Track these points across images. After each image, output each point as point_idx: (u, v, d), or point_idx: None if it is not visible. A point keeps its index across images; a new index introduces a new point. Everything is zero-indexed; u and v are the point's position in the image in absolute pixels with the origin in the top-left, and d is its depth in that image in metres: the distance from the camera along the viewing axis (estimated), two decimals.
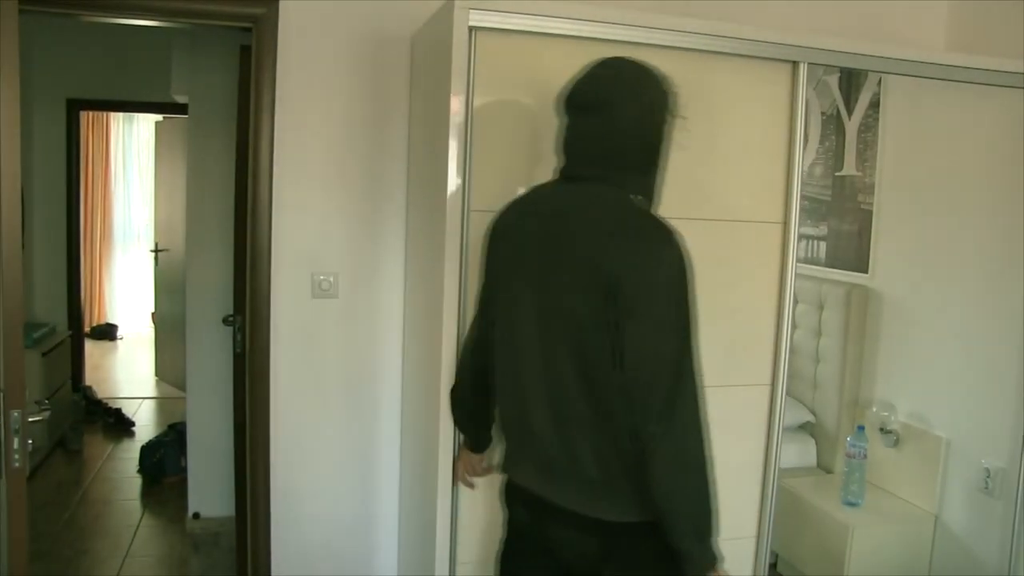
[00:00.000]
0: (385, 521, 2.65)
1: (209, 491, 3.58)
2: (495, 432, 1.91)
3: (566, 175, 1.69)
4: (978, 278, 2.81)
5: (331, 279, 2.52)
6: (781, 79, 2.24)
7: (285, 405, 2.51)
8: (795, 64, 2.24)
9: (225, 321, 2.76)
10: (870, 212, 3.26)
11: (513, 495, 1.79)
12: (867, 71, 2.89)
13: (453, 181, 1.99)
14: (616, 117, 1.61)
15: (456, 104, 1.97)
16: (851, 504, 3.00)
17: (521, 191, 1.85)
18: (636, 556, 1.61)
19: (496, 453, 1.93)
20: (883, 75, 3.05)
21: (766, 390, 2.35)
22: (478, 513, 2.13)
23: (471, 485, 2.06)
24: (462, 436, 2.03)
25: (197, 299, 3.62)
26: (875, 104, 3.21)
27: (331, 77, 2.47)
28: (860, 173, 3.33)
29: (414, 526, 2.46)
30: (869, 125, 3.25)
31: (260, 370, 2.47)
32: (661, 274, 1.52)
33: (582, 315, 1.55)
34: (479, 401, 1.89)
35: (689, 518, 1.53)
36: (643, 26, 2.07)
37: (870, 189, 3.26)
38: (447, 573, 2.09)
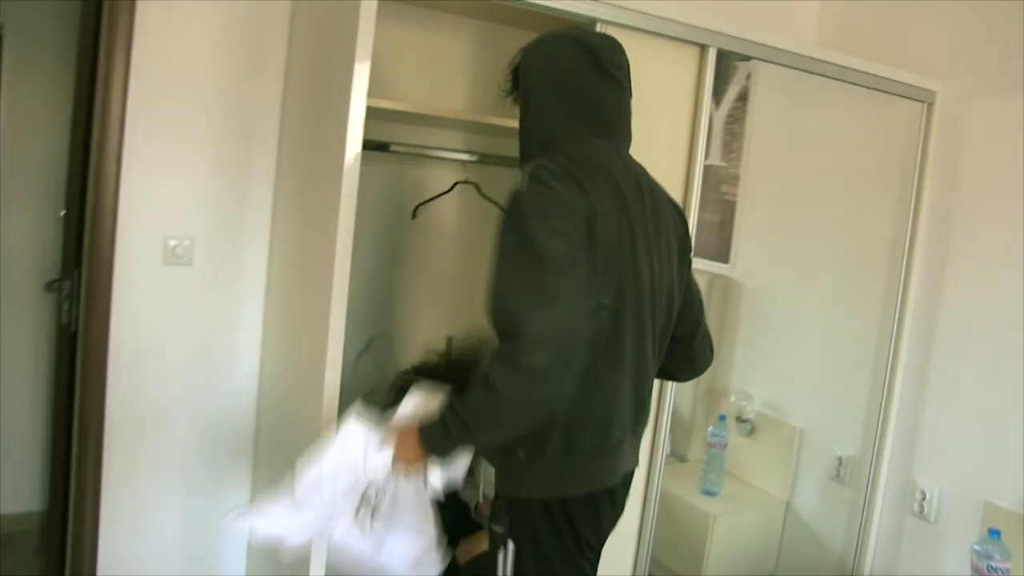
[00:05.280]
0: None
1: (8, 484, 3.10)
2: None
3: (607, 137, 1.59)
4: (833, 273, 2.91)
5: (186, 243, 2.20)
6: (688, 62, 2.18)
7: (123, 387, 2.18)
8: (703, 48, 2.19)
9: (48, 287, 2.35)
10: (733, 203, 3.30)
11: (600, 500, 1.61)
12: (743, 59, 2.90)
13: (352, 149, 1.76)
14: (629, 87, 1.65)
15: (361, 72, 1.74)
16: (709, 493, 3.03)
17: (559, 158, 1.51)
18: None
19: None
20: (752, 69, 3.09)
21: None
22: None
23: None
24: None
25: (10, 261, 3.08)
26: (743, 97, 3.25)
27: (200, 11, 2.15)
28: (725, 163, 3.37)
29: None
30: (736, 117, 3.29)
31: (96, 346, 2.11)
32: None
33: (675, 283, 1.65)
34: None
35: None
36: None
37: (734, 180, 3.30)
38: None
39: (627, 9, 2.04)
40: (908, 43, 2.74)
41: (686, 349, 1.77)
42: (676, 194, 2.22)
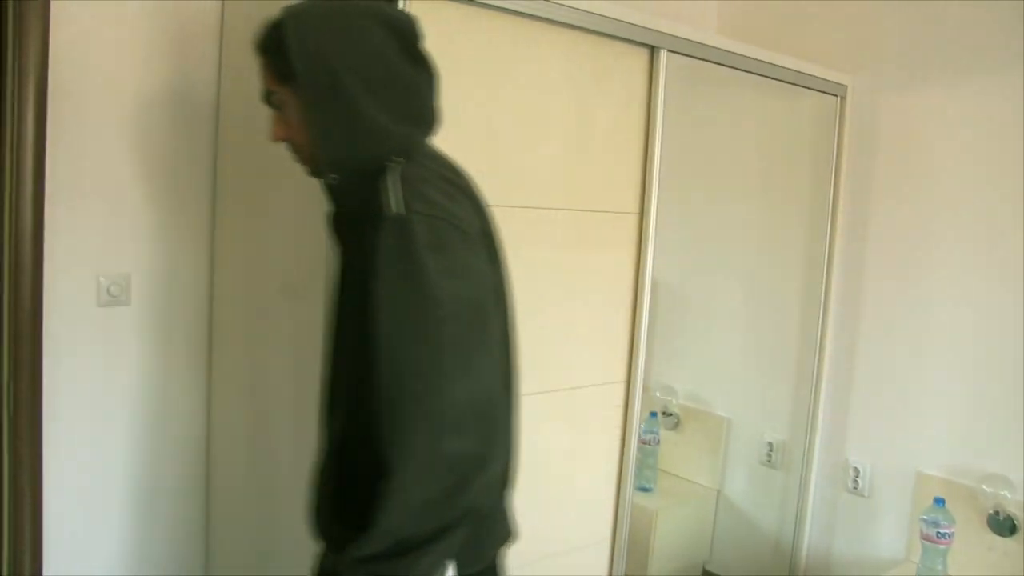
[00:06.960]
0: None
1: None
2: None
3: (430, 134, 1.30)
4: (751, 265, 3.02)
5: (122, 282, 1.97)
6: (638, 64, 2.17)
7: (60, 446, 1.92)
8: (653, 49, 2.18)
9: None
10: None
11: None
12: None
13: None
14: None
15: None
16: (644, 489, 3.06)
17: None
18: None
19: None
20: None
21: (621, 387, 2.29)
22: None
23: None
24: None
25: None
26: None
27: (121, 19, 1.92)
28: None
29: None
30: None
31: (27, 405, 1.84)
32: None
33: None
34: None
35: None
36: None
37: None
38: None
39: (573, 8, 1.93)
40: (809, 39, 2.85)
41: None
42: (634, 201, 2.23)
